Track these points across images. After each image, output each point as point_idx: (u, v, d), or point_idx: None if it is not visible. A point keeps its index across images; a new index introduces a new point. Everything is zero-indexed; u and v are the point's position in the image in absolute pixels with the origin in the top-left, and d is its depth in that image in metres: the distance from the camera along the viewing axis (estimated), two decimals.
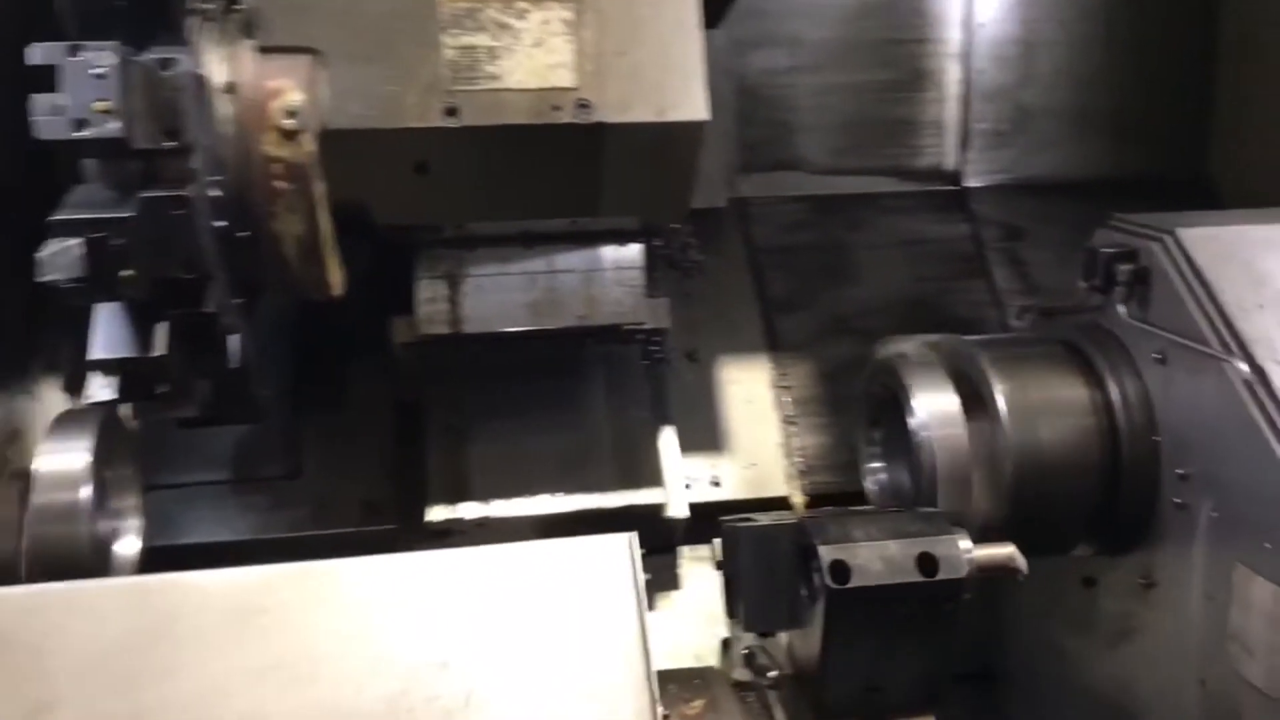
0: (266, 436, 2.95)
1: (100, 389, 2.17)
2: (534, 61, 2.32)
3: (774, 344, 3.25)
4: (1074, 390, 2.18)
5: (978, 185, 3.54)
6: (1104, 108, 3.59)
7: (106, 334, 2.19)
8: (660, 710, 1.47)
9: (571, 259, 2.81)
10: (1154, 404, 2.11)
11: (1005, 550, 1.78)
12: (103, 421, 2.06)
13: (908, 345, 2.25)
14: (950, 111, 3.54)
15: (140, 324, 2.21)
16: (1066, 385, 2.19)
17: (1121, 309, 2.14)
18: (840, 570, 1.63)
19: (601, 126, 2.33)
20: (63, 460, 1.96)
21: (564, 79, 2.32)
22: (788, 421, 3.11)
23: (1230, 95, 3.56)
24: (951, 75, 3.53)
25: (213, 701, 1.43)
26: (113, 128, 1.99)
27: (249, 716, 1.42)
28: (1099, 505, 2.16)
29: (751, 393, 3.17)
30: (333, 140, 2.26)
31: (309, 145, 2.22)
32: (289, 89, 2.21)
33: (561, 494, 2.77)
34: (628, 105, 2.33)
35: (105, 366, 2.17)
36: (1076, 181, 3.57)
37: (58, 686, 1.44)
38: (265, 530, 2.82)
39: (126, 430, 2.22)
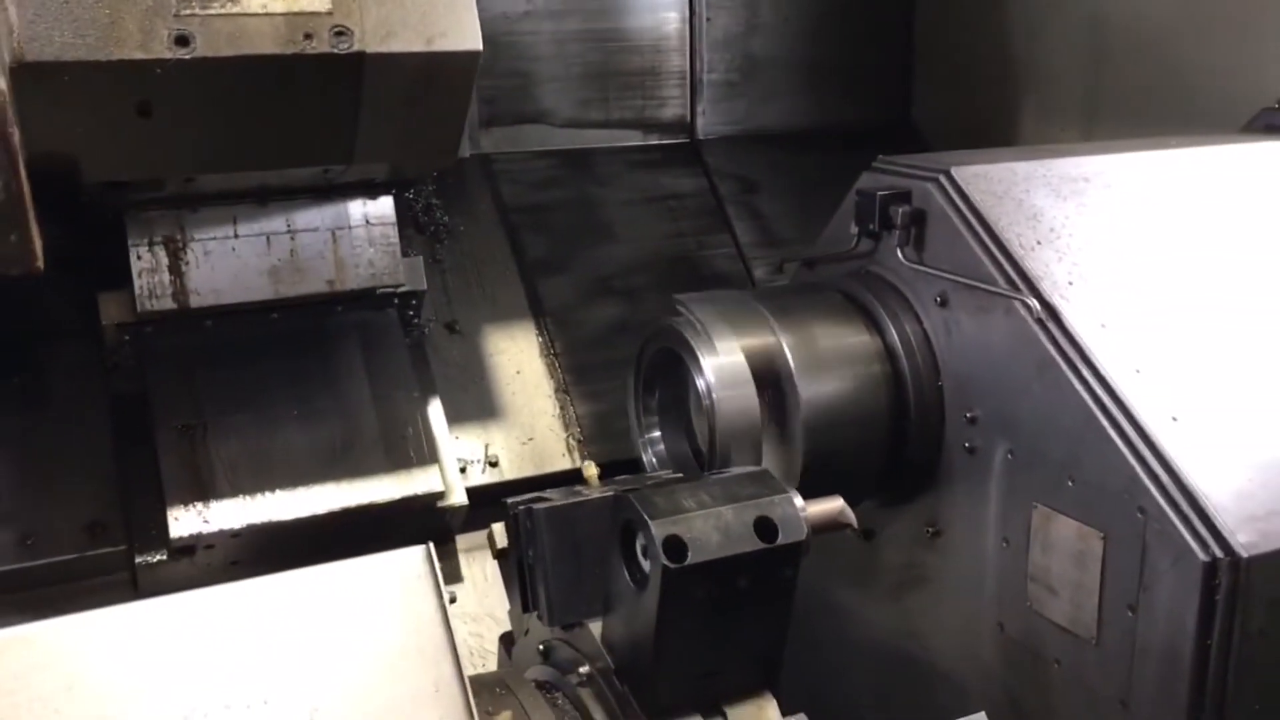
0: None
1: None
2: None
3: (538, 309, 3.02)
4: (857, 339, 2.10)
5: (711, 137, 3.46)
6: (825, 58, 3.61)
7: None
8: None
9: (314, 216, 2.48)
10: (936, 348, 2.06)
11: (835, 504, 1.64)
12: None
13: (696, 305, 2.09)
14: (682, 62, 3.44)
15: None
16: (850, 334, 2.10)
17: (899, 253, 2.07)
18: (676, 546, 1.41)
19: (361, 57, 2.02)
20: None
21: (317, 3, 1.99)
22: (561, 390, 2.90)
23: (929, 43, 3.68)
24: (681, 25, 3.43)
25: None
26: None
27: None
28: (888, 455, 2.09)
29: (520, 363, 2.93)
30: (31, 76, 1.83)
31: (3, 82, 1.78)
32: None
33: (325, 490, 2.43)
34: (391, 32, 2.04)
35: None
36: (802, 131, 3.56)
37: None
38: None
39: None
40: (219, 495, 2.36)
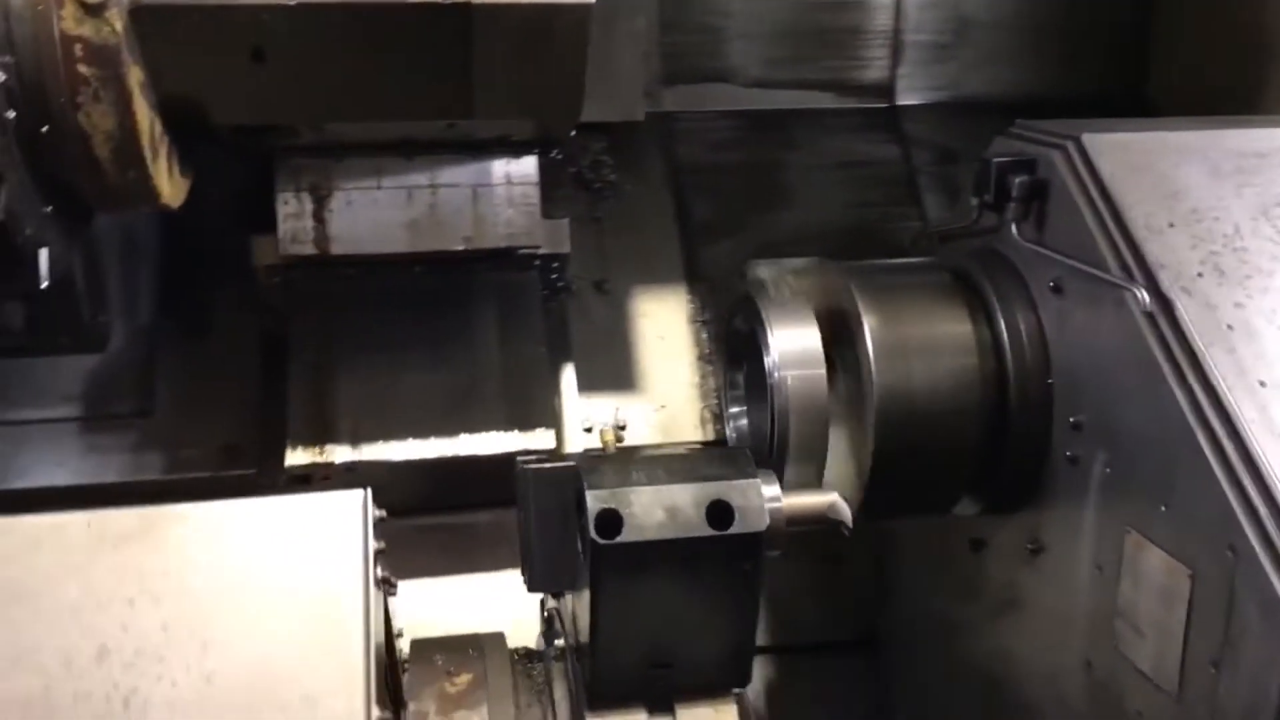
0: (116, 370, 2.62)
1: None
2: None
3: (694, 274, 2.93)
4: (955, 326, 1.89)
5: (912, 103, 3.21)
6: (1048, 20, 3.26)
7: None
8: (370, 687, 1.19)
9: (457, 172, 2.49)
10: (1048, 341, 1.81)
11: (824, 499, 1.47)
12: None
13: (769, 271, 1.94)
14: (885, 21, 3.21)
15: None
16: (946, 320, 1.90)
17: (1014, 229, 1.83)
18: (609, 521, 1.30)
19: (469, 5, 1.99)
20: None
21: None
22: (704, 359, 2.80)
23: (1169, 5, 3.25)
24: None
25: None
26: None
27: None
28: (981, 457, 1.87)
29: (666, 328, 2.86)
30: (149, 18, 1.92)
31: (116, 23, 1.88)
32: None
33: (442, 437, 2.46)
34: None
35: None
36: (1018, 100, 3.23)
37: None
38: (107, 474, 2.49)
39: None
40: (338, 432, 2.44)
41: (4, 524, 1.36)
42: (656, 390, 2.78)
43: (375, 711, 1.25)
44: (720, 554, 1.36)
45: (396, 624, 1.65)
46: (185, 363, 2.65)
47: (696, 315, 2.88)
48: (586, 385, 2.71)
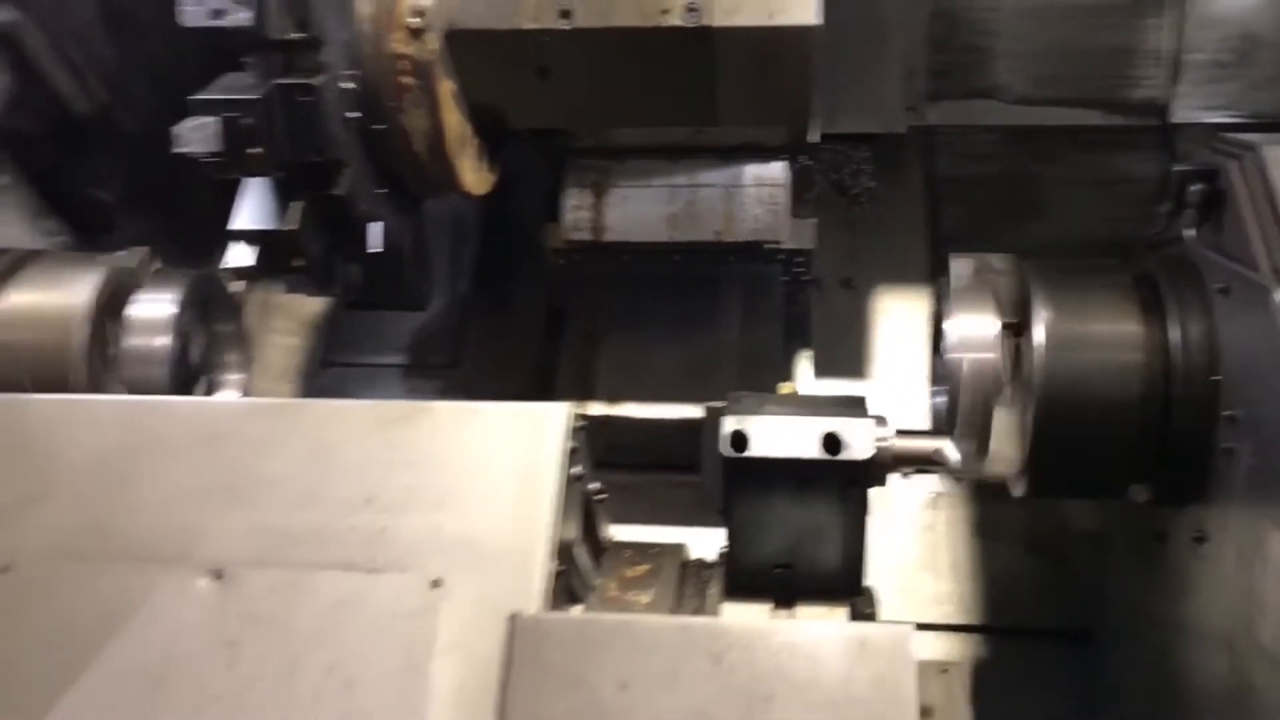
0: (435, 329, 3.23)
1: (239, 257, 2.48)
2: None
3: (938, 277, 3.13)
4: (1124, 324, 2.00)
5: (1189, 122, 3.22)
6: None
7: (249, 208, 2.49)
8: (553, 563, 1.57)
9: (713, 174, 2.85)
10: (1218, 342, 1.90)
11: (932, 443, 1.68)
12: (195, 280, 2.33)
13: (963, 265, 2.14)
14: (1159, 39, 3.23)
15: (280, 202, 2.50)
16: (1117, 318, 2.01)
17: (1190, 233, 1.93)
18: (738, 439, 1.61)
19: (709, 30, 2.36)
20: (150, 309, 2.24)
21: None
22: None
23: None
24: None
25: (164, 511, 1.67)
26: (244, 16, 2.25)
27: (189, 529, 1.65)
28: (1147, 448, 1.97)
29: (906, 325, 3.09)
30: (458, 40, 2.44)
31: (433, 44, 2.41)
32: None
33: (683, 402, 2.84)
34: (736, 8, 2.35)
35: (245, 237, 2.47)
36: None
37: (49, 483, 1.70)
38: None
39: (226, 292, 2.48)
40: (597, 390, 2.88)
41: (314, 404, 1.85)
42: (889, 380, 3.01)
43: (552, 565, 1.60)
44: (830, 476, 1.64)
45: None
46: (488, 326, 3.21)
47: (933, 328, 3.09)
48: (823, 371, 3.00)
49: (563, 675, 1.40)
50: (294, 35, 2.31)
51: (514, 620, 1.45)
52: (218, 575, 1.57)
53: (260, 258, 2.48)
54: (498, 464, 1.66)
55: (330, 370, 3.17)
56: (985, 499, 2.93)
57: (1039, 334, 2.05)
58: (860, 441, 1.63)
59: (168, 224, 2.84)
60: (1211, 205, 1.97)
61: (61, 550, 1.63)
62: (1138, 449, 2.03)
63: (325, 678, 1.47)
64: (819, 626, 1.39)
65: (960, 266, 2.24)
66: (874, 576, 2.73)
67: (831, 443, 1.63)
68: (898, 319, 3.10)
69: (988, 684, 2.82)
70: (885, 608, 2.78)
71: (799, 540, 1.69)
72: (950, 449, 1.73)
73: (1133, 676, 2.28)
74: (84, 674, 1.48)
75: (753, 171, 2.84)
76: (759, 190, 2.84)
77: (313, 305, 3.12)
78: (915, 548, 2.91)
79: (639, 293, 2.99)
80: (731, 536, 1.71)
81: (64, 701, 1.46)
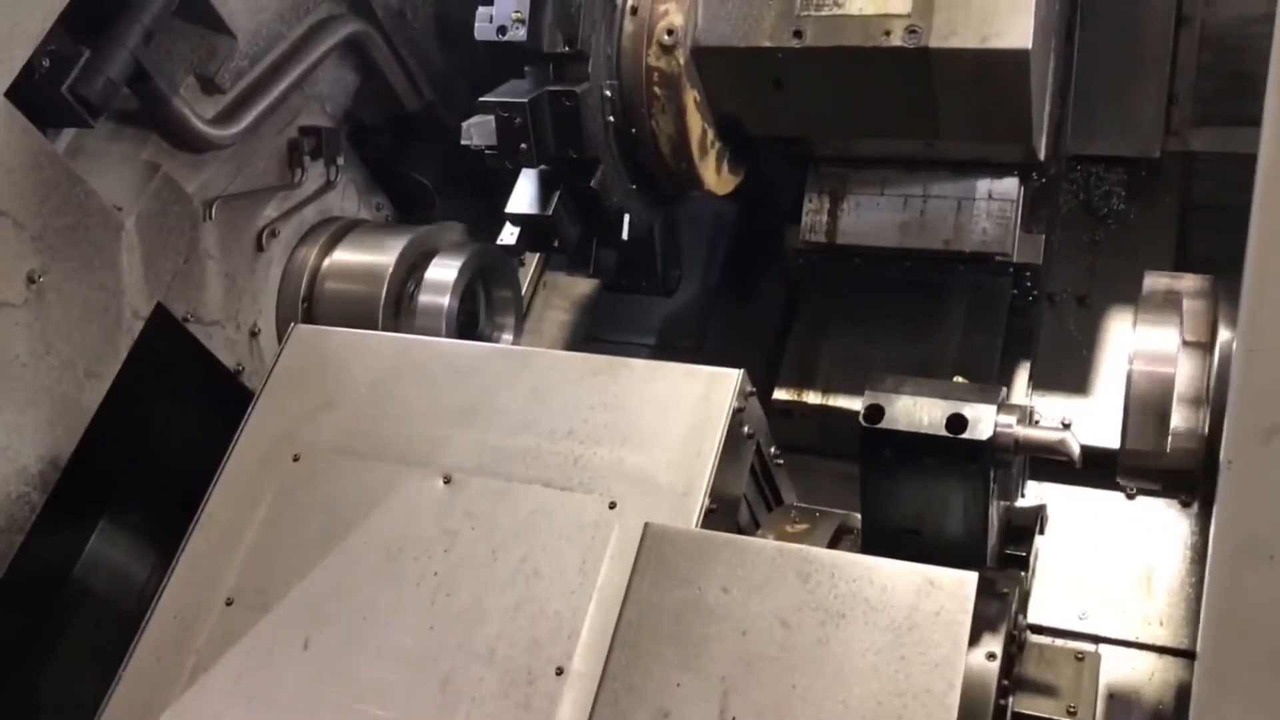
0: (683, 314, 3.55)
1: (508, 236, 2.88)
2: None
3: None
4: None
5: None
6: None
7: (521, 195, 2.89)
8: (707, 500, 1.85)
9: (946, 186, 3.01)
10: None
11: (1056, 434, 1.78)
12: (477, 251, 2.75)
13: (1156, 281, 2.21)
14: None
15: (545, 192, 2.89)
16: None
17: None
18: (873, 413, 1.78)
19: (926, 51, 2.53)
20: (440, 273, 2.68)
21: (898, 6, 2.56)
22: None
23: None
24: None
25: (417, 424, 2.08)
26: (521, 33, 2.65)
27: (432, 440, 2.06)
28: None
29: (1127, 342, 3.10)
30: (704, 56, 2.74)
31: (681, 58, 2.73)
32: (673, 11, 2.74)
33: None
34: (953, 31, 2.52)
35: (513, 219, 2.88)
36: None
37: (337, 395, 2.16)
38: None
39: (507, 263, 2.88)
40: (816, 381, 3.10)
41: (539, 352, 2.24)
42: (1108, 398, 3.04)
43: (706, 501, 1.90)
44: (953, 453, 1.80)
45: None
46: (732, 316, 3.49)
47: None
48: (1041, 384, 3.07)
49: (677, 576, 1.69)
50: (562, 49, 2.69)
51: (646, 528, 1.75)
52: (448, 479, 1.99)
53: (525, 239, 2.87)
54: (675, 413, 1.97)
55: (592, 345, 3.55)
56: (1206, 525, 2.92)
57: (1217, 349, 2.11)
58: (982, 423, 1.78)
59: (476, 206, 3.32)
60: None
61: (339, 448, 2.09)
62: None
63: (517, 566, 1.85)
64: (895, 564, 1.57)
65: (1153, 282, 2.31)
66: (1086, 590, 2.81)
67: (955, 422, 1.79)
68: (1128, 339, 3.11)
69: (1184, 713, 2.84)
70: (1097, 622, 2.84)
71: (925, 509, 1.86)
72: (1072, 441, 1.84)
73: None
74: (342, 542, 1.93)
75: (985, 186, 2.97)
76: (990, 204, 2.97)
77: (583, 286, 3.52)
78: (1132, 566, 2.93)
79: (868, 294, 3.18)
80: (865, 501, 1.91)
81: (325, 562, 1.90)
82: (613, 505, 1.88)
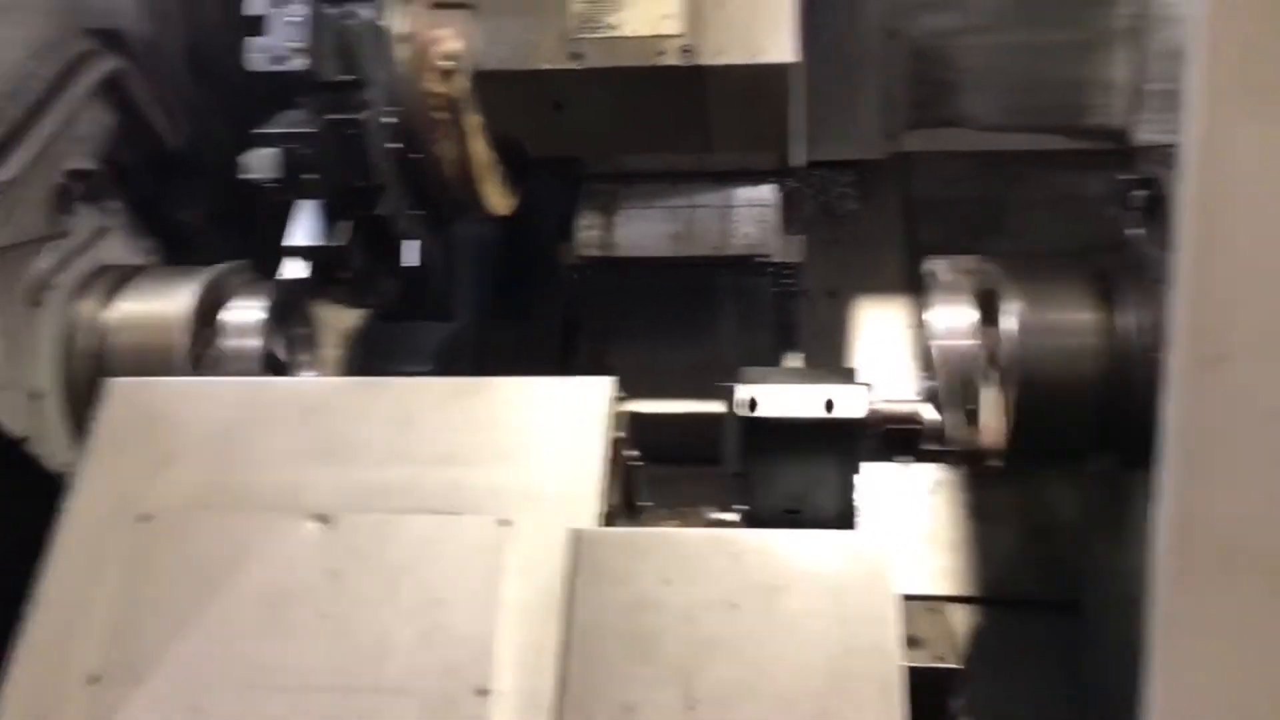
0: (462, 339, 3.54)
1: (294, 270, 2.79)
2: (647, 13, 2.72)
3: (915, 287, 3.46)
4: (1084, 312, 2.31)
5: (1147, 144, 3.56)
6: None
7: (303, 227, 2.81)
8: (602, 505, 1.92)
9: (710, 196, 3.19)
10: (1161, 323, 2.20)
11: (912, 406, 2.00)
12: (278, 289, 2.65)
13: (941, 265, 2.47)
14: (1123, 71, 3.58)
15: (329, 222, 2.82)
16: (1078, 308, 2.32)
17: (1136, 233, 2.25)
18: (751, 402, 1.93)
19: (700, 69, 2.70)
20: (243, 315, 2.57)
21: (671, 27, 2.71)
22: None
23: None
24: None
25: (275, 469, 2.00)
26: (299, 63, 2.59)
27: (293, 483, 1.98)
28: (1105, 420, 2.27)
29: (885, 329, 3.41)
30: (484, 80, 2.78)
31: (462, 83, 2.75)
32: (449, 37, 2.75)
33: (688, 399, 3.16)
34: (723, 50, 2.69)
35: (300, 252, 2.79)
36: None
37: (180, 446, 2.04)
38: None
39: (302, 299, 2.80)
40: None
41: (395, 380, 2.20)
42: (868, 377, 3.33)
43: (603, 507, 1.93)
44: (827, 433, 1.95)
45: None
46: (509, 337, 3.53)
47: (914, 321, 3.42)
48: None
49: (615, 575, 1.73)
50: (342, 78, 2.64)
51: (577, 535, 1.80)
52: (323, 520, 1.91)
53: (316, 271, 2.79)
54: (552, 426, 2.00)
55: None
56: (980, 485, 3.25)
57: (1011, 323, 2.37)
58: (851, 403, 1.95)
59: (244, 243, 3.17)
60: (1153, 208, 2.30)
61: (192, 503, 1.97)
62: (1100, 421, 2.35)
63: (417, 597, 1.82)
64: (819, 534, 1.70)
65: (938, 266, 2.57)
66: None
67: (830, 405, 1.95)
68: (876, 324, 3.43)
69: (981, 652, 3.15)
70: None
71: (805, 489, 2.00)
72: (928, 410, 2.04)
73: (1114, 642, 2.56)
74: (215, 600, 1.80)
75: (745, 193, 3.17)
76: (751, 210, 3.17)
77: (349, 318, 3.43)
78: (917, 530, 3.22)
79: (646, 304, 3.31)
80: (748, 487, 2.03)
81: (200, 623, 1.77)
82: (506, 523, 1.88)
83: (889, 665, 1.53)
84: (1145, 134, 3.59)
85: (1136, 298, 2.29)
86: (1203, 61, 1.48)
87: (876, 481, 3.16)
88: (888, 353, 3.38)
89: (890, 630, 1.55)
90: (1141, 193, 2.30)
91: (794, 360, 3.31)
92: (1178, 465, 1.45)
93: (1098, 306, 2.37)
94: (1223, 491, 1.43)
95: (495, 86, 2.79)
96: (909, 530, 3.14)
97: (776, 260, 3.19)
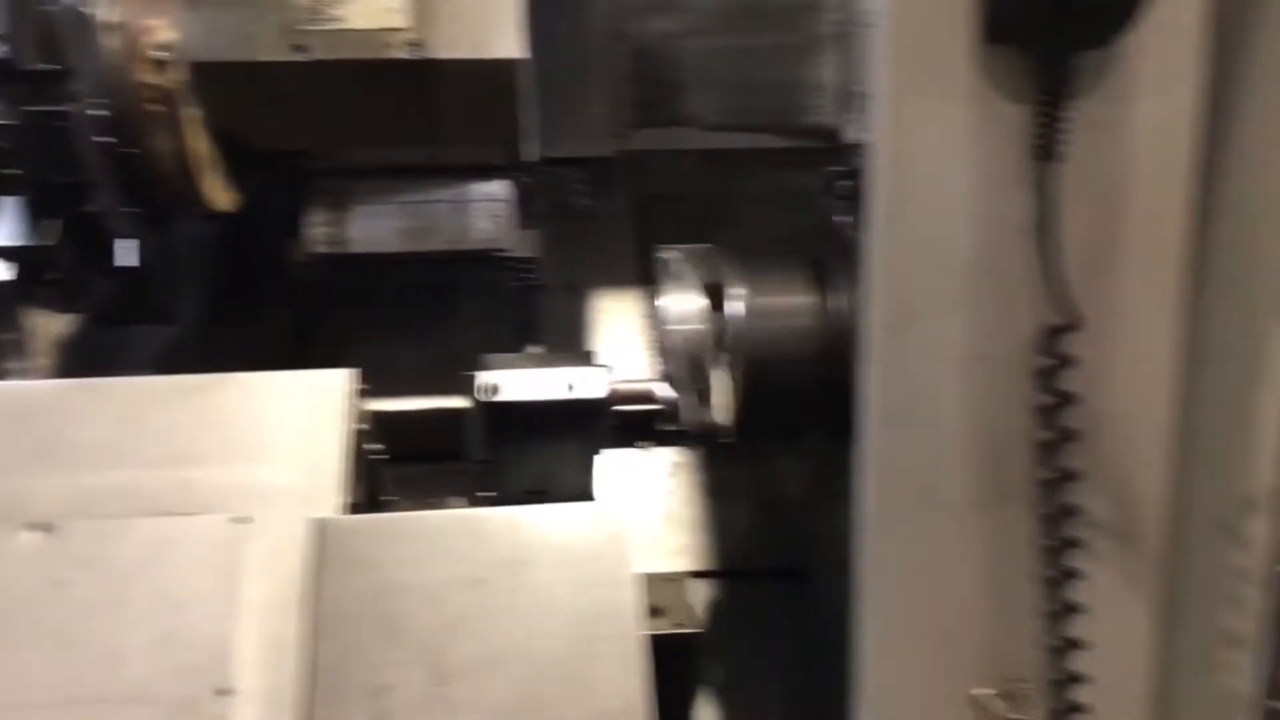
0: (185, 343, 3.38)
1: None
2: (372, 6, 2.70)
3: (649, 279, 3.58)
4: (800, 295, 2.46)
5: (857, 142, 3.81)
6: None
7: (9, 226, 2.62)
8: (342, 497, 1.90)
9: (444, 191, 3.19)
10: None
11: (646, 386, 2.11)
12: None
13: (670, 254, 2.58)
14: (831, 73, 3.82)
15: (35, 220, 2.64)
16: (795, 291, 2.47)
17: (843, 220, 2.42)
18: (492, 388, 1.98)
19: (427, 62, 2.70)
20: None
21: (398, 21, 2.70)
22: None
23: None
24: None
25: None
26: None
27: (13, 492, 1.86)
28: (823, 396, 2.43)
29: (621, 320, 3.52)
30: (202, 72, 2.68)
31: (177, 74, 2.64)
32: (162, 27, 2.64)
33: (428, 396, 3.14)
34: (450, 43, 2.71)
35: (2, 253, 2.60)
36: None
37: None
38: None
39: (7, 304, 2.62)
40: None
41: (121, 380, 2.10)
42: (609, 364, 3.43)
43: (345, 499, 1.89)
44: (569, 414, 2.01)
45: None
46: (239, 340, 3.40)
47: (648, 311, 3.53)
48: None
49: (361, 561, 1.72)
50: (44, 67, 2.49)
51: (321, 524, 1.77)
52: (45, 529, 1.79)
53: (24, 273, 2.61)
54: (289, 421, 1.96)
55: None
56: (715, 465, 3.39)
57: (735, 307, 2.50)
58: (590, 383, 2.01)
59: None
60: (857, 198, 2.47)
61: None
62: (818, 398, 2.50)
63: (151, 601, 1.73)
64: (560, 507, 1.75)
65: (668, 255, 2.67)
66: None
67: (571, 386, 2.00)
68: (613, 315, 3.53)
69: (722, 622, 3.29)
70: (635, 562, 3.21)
71: (549, 470, 2.04)
72: (662, 389, 2.13)
73: (835, 601, 2.73)
74: None
75: (479, 189, 3.19)
76: (486, 205, 3.20)
77: (60, 323, 3.22)
78: (658, 509, 3.32)
79: (382, 303, 3.27)
80: (493, 474, 2.05)
81: None
82: (243, 520, 1.82)
83: (628, 625, 1.59)
84: (852, 132, 3.86)
85: (846, 280, 2.46)
86: (885, 64, 1.63)
87: (619, 467, 3.28)
88: (625, 342, 3.48)
89: (628, 592, 1.62)
90: (847, 184, 2.47)
91: (532, 349, 3.37)
92: (878, 416, 1.59)
93: (813, 290, 2.53)
94: (917, 437, 1.58)
95: (214, 79, 2.69)
96: (651, 512, 3.25)
97: (513, 255, 3.23)
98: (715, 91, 3.88)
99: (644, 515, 3.25)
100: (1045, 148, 1.51)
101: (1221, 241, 1.58)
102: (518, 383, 2.00)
